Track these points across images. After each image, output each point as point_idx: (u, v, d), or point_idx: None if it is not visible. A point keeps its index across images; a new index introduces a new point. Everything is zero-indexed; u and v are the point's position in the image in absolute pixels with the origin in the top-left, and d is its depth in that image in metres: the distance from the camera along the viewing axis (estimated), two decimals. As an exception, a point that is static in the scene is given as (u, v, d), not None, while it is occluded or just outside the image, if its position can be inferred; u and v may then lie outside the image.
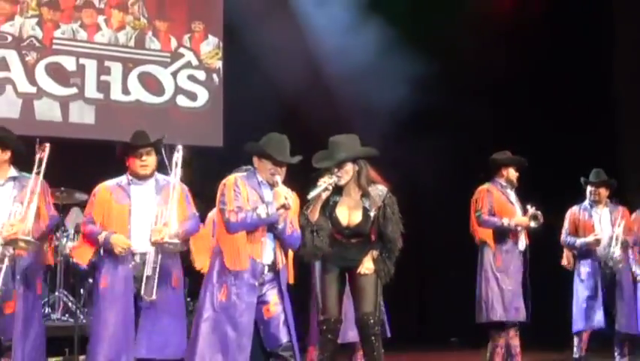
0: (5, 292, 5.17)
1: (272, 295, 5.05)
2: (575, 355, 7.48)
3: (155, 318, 5.24)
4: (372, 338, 5.42)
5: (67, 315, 7.81)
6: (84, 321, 7.33)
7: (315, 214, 5.39)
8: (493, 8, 10.17)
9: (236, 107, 9.72)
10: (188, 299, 7.37)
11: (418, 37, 9.61)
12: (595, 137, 9.61)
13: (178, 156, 5.37)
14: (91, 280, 7.60)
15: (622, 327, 7.38)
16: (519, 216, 7.02)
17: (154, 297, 5.16)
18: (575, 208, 7.69)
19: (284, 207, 4.93)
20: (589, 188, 7.62)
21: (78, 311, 7.56)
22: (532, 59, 10.05)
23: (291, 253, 5.24)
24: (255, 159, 5.13)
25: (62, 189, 7.68)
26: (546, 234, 7.26)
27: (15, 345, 5.17)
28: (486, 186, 7.14)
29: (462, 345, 9.60)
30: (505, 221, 6.94)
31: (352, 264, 5.49)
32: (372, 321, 5.41)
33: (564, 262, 7.73)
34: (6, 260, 5.10)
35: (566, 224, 7.68)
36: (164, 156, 5.51)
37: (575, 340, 7.50)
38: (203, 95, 10.05)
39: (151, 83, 9.80)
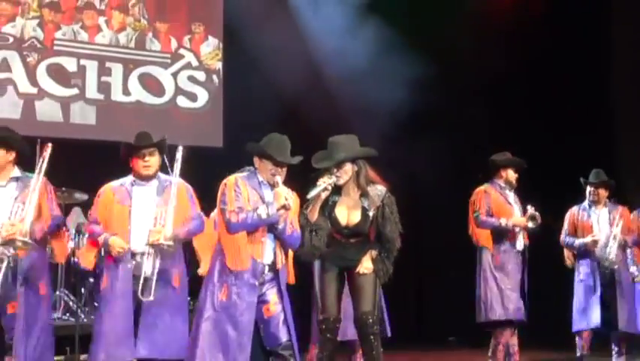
0: (8, 292, 5.20)
1: (272, 295, 5.08)
2: (578, 354, 7.51)
3: (156, 318, 5.25)
4: (371, 337, 5.45)
5: (68, 314, 7.81)
6: (85, 320, 7.35)
7: (314, 214, 5.42)
8: (490, 9, 10.19)
9: (236, 108, 9.74)
10: (189, 299, 7.39)
11: (416, 38, 9.64)
12: (593, 138, 9.60)
13: (178, 157, 5.39)
14: (92, 280, 7.65)
15: (623, 326, 7.39)
16: (517, 216, 7.07)
17: (151, 298, 5.16)
18: (574, 209, 7.70)
19: (284, 207, 4.96)
20: (588, 188, 7.63)
21: (79, 310, 7.57)
22: (530, 60, 10.06)
23: (291, 253, 5.27)
24: (256, 160, 5.15)
25: (63, 189, 7.67)
26: (546, 234, 7.30)
27: (16, 344, 5.18)
28: (483, 187, 7.18)
29: (460, 344, 9.63)
30: (503, 221, 6.99)
31: (351, 263, 5.52)
32: (370, 320, 5.44)
33: (567, 262, 7.75)
34: (5, 260, 5.11)
35: (566, 224, 7.69)
36: (165, 156, 5.55)
37: (577, 340, 7.53)
38: (203, 96, 10.07)
39: (151, 84, 9.83)
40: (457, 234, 7.46)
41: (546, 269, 7.65)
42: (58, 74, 9.38)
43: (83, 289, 7.94)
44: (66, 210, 8.13)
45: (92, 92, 9.49)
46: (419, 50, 9.49)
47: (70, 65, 9.44)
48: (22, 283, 5.25)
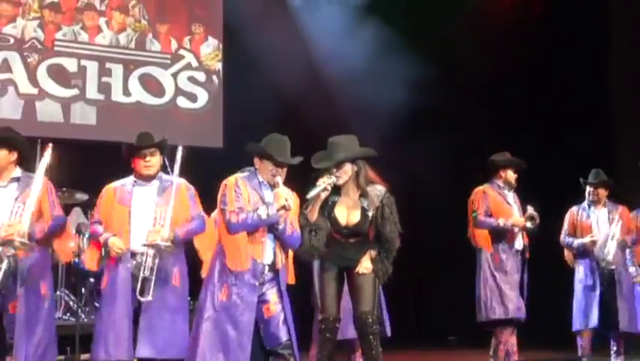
0: (9, 292, 5.21)
1: (272, 295, 5.09)
2: (579, 354, 7.51)
3: (157, 318, 5.25)
4: (371, 336, 5.46)
5: (68, 314, 7.82)
6: (85, 320, 7.36)
7: (314, 214, 5.42)
8: (490, 9, 10.20)
9: (236, 109, 9.75)
10: (189, 299, 7.40)
11: (416, 38, 9.65)
12: (592, 138, 9.62)
13: (178, 157, 5.39)
14: (92, 280, 7.66)
15: (624, 326, 7.38)
16: (516, 216, 7.08)
17: (150, 298, 5.16)
18: (574, 209, 7.71)
19: (284, 208, 4.97)
20: (588, 188, 7.63)
21: (79, 310, 7.57)
22: (530, 60, 10.08)
23: (290, 253, 5.28)
24: (256, 160, 5.17)
25: (64, 189, 7.69)
26: (546, 234, 7.30)
27: (17, 344, 5.18)
28: (482, 187, 7.19)
29: (460, 344, 9.65)
30: (502, 221, 7.00)
31: (351, 263, 5.53)
32: (370, 320, 5.45)
33: (569, 262, 7.77)
34: (5, 261, 5.10)
35: (565, 224, 7.70)
36: (165, 156, 5.57)
37: (578, 339, 7.53)
38: (203, 97, 10.09)
39: (151, 85, 9.85)
40: (456, 234, 7.46)
41: (546, 269, 7.65)
42: (59, 74, 9.40)
43: (83, 289, 7.94)
44: (66, 210, 8.14)
45: (92, 92, 9.52)
46: (418, 50, 9.50)
47: (70, 65, 9.46)
48: (23, 284, 5.25)
